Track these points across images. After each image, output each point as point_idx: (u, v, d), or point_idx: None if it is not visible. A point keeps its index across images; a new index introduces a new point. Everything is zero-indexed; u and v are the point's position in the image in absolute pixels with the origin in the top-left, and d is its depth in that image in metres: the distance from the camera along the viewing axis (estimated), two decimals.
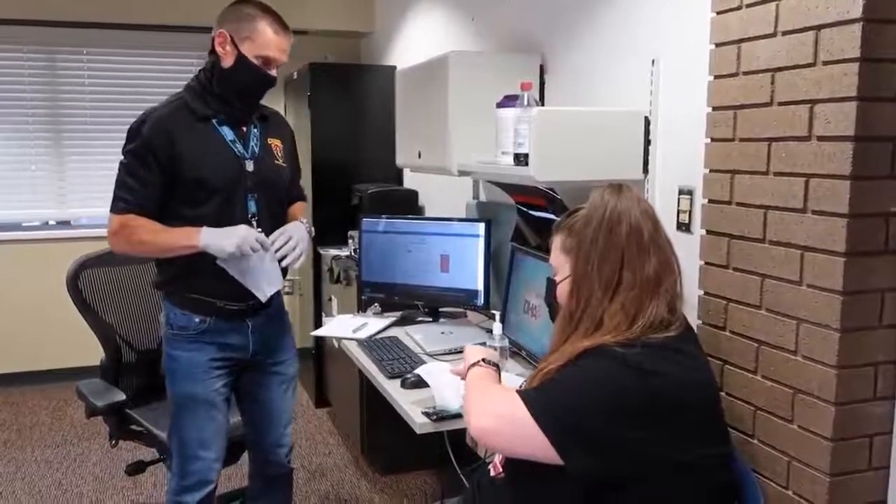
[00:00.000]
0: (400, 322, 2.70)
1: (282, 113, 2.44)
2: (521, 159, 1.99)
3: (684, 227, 1.88)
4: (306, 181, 4.05)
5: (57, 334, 4.34)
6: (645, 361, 1.30)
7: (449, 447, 2.49)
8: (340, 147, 4.03)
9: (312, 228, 2.23)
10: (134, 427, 2.51)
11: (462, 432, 3.13)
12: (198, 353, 2.08)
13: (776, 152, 1.51)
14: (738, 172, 1.61)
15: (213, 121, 2.04)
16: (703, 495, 1.34)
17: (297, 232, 2.10)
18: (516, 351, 2.29)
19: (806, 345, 1.45)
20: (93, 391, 2.47)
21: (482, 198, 3.08)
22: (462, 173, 2.45)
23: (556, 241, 1.54)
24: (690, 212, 1.86)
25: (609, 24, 2.21)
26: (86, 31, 4.44)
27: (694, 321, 1.66)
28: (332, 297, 3.76)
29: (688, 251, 1.72)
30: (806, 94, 1.43)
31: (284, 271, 2.13)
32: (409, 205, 3.71)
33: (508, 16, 2.83)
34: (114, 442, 2.53)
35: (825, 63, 1.39)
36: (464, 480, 2.50)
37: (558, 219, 1.58)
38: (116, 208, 1.99)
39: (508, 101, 2.11)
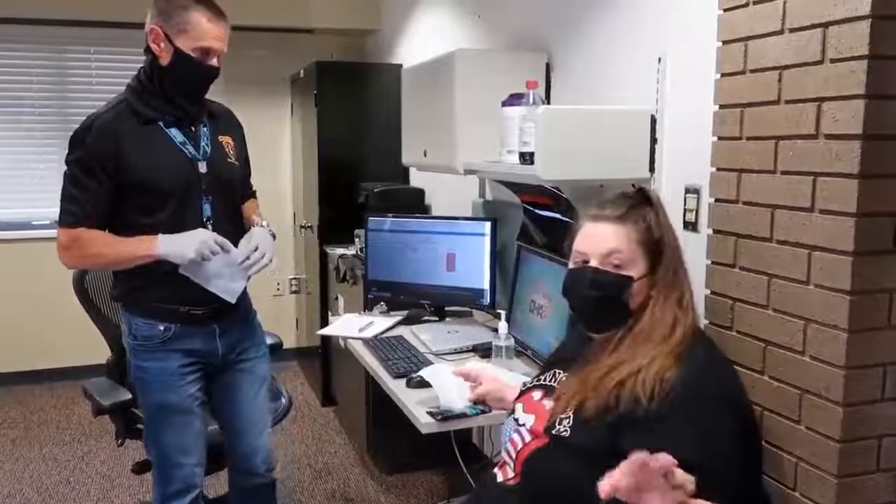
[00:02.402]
0: (406, 321, 2.69)
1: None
2: (526, 158, 1.98)
3: (691, 226, 1.87)
4: (313, 179, 4.07)
5: (64, 333, 4.36)
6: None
7: (455, 447, 2.49)
8: (347, 145, 4.03)
9: (274, 228, 2.15)
10: (140, 426, 2.51)
11: (468, 432, 3.14)
12: (165, 362, 2.01)
13: (783, 151, 1.49)
14: (746, 171, 1.59)
15: (160, 122, 1.96)
16: None
17: (261, 239, 2.03)
18: (522, 350, 2.28)
19: (813, 345, 1.44)
20: (99, 390, 2.47)
21: (488, 197, 3.08)
22: (468, 172, 2.44)
23: (629, 233, 1.46)
24: (697, 211, 1.85)
25: (615, 22, 2.20)
26: (93, 29, 4.46)
27: (700, 321, 1.64)
28: (339, 295, 3.76)
29: (694, 250, 1.70)
30: (814, 91, 1.41)
31: None
32: (415, 203, 3.71)
33: (514, 14, 2.82)
34: (120, 441, 2.53)
35: (833, 61, 1.37)
36: (470, 480, 2.50)
37: (602, 205, 1.52)
38: (65, 221, 1.92)
39: (514, 99, 2.10)
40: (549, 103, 2.45)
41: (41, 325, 4.53)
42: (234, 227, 2.06)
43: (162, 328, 2.00)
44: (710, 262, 1.71)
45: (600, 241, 1.48)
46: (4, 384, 4.47)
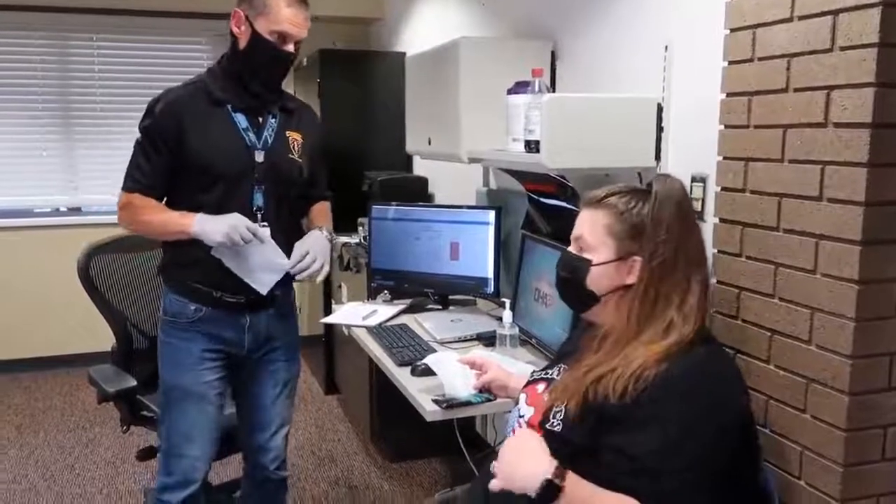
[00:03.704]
0: (409, 310, 2.69)
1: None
2: (532, 146, 1.97)
3: (697, 214, 1.86)
4: None
5: (69, 320, 4.37)
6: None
7: (459, 435, 2.49)
8: (350, 134, 4.01)
9: (334, 235, 2.16)
10: (145, 413, 2.52)
11: (471, 420, 3.14)
12: (190, 343, 2.02)
13: (791, 139, 1.49)
14: (753, 160, 1.59)
15: (228, 106, 1.99)
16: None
17: (316, 245, 2.04)
18: (526, 339, 2.28)
19: (820, 334, 1.44)
20: (104, 377, 2.47)
21: (492, 185, 3.07)
22: (472, 160, 2.43)
23: (598, 218, 1.42)
24: (703, 199, 1.85)
25: (621, 10, 2.19)
26: (96, 16, 4.44)
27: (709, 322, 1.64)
28: (342, 284, 3.76)
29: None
30: (823, 80, 1.41)
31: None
32: (418, 192, 3.70)
33: (519, 1, 2.80)
34: (125, 427, 2.54)
35: (842, 48, 1.36)
36: (473, 468, 2.51)
37: (590, 193, 1.48)
38: (126, 186, 1.98)
39: (519, 87, 2.10)
40: (554, 92, 2.44)
41: (45, 313, 4.54)
42: (286, 222, 2.06)
43: (193, 308, 2.01)
44: (716, 251, 1.71)
45: (577, 225, 1.48)
46: (9, 371, 4.48)
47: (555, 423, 1.36)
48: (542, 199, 2.49)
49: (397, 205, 2.87)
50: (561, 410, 1.37)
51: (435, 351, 2.16)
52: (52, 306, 4.48)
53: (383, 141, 3.95)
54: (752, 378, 1.61)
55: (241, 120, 1.99)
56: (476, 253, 2.65)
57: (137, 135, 1.99)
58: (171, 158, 1.95)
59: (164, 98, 1.96)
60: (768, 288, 1.56)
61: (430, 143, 2.70)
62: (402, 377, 2.03)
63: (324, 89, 3.95)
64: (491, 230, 2.62)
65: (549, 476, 1.22)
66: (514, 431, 1.50)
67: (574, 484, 1.24)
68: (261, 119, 2.03)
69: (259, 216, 1.99)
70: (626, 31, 2.17)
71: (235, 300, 2.03)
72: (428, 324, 2.50)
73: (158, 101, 1.96)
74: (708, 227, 1.76)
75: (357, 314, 2.61)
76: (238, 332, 2.06)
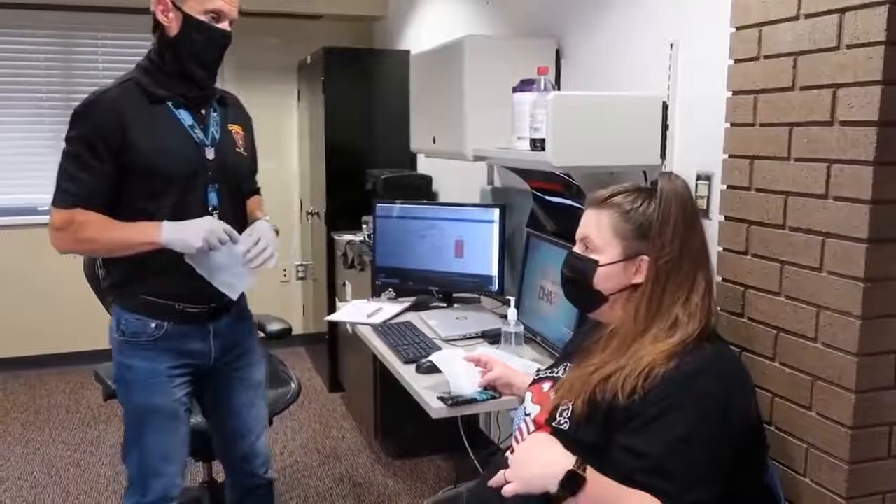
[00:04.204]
0: (414, 307, 2.70)
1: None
2: (537, 144, 1.98)
3: (702, 212, 1.86)
4: (321, 166, 4.07)
5: (74, 318, 4.38)
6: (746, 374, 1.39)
7: (463, 432, 2.49)
8: (354, 132, 4.02)
9: (276, 226, 2.03)
10: None
11: (476, 418, 3.15)
12: (154, 363, 1.89)
13: (798, 137, 1.49)
14: (759, 158, 1.59)
15: (169, 103, 1.86)
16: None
17: (265, 233, 1.93)
18: (531, 337, 2.28)
19: (826, 332, 1.44)
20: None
21: (497, 183, 3.07)
22: (477, 158, 2.44)
23: (604, 218, 1.43)
24: (709, 197, 1.85)
25: (627, 8, 2.19)
26: (100, 15, 4.45)
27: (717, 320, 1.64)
28: (346, 282, 3.76)
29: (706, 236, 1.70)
30: (829, 78, 1.41)
31: None
32: (422, 190, 3.71)
33: (524, 0, 2.80)
34: None
35: (849, 47, 1.36)
36: (477, 466, 2.51)
37: (595, 193, 1.48)
38: (60, 202, 1.79)
39: (525, 85, 2.10)
40: (559, 90, 2.44)
41: (51, 310, 4.55)
42: (239, 220, 1.97)
43: (153, 325, 1.88)
44: (721, 249, 1.71)
45: (581, 225, 1.48)
46: (14, 369, 4.50)
47: (562, 422, 1.37)
48: (546, 197, 2.49)
49: (402, 203, 2.87)
50: (567, 409, 1.37)
51: (440, 349, 2.16)
52: (58, 304, 4.49)
53: (387, 139, 3.96)
54: (758, 376, 1.61)
55: (185, 117, 1.88)
56: (481, 251, 2.66)
57: (64, 146, 1.82)
58: (114, 165, 1.79)
59: (97, 101, 1.81)
60: (774, 286, 1.56)
61: (434, 142, 2.70)
62: (407, 375, 2.04)
63: (328, 87, 3.96)
64: (496, 228, 2.62)
65: (572, 467, 1.23)
66: (520, 430, 1.51)
67: (594, 477, 1.24)
68: (203, 113, 1.92)
69: (216, 216, 1.89)
70: (631, 30, 2.17)
71: (199, 310, 1.92)
72: (433, 321, 2.50)
73: (90, 105, 1.80)
74: (714, 225, 1.77)
75: (362, 312, 2.62)
76: (204, 343, 1.96)
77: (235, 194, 1.99)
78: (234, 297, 1.94)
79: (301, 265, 4.96)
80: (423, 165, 3.97)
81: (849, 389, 1.40)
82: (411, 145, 2.99)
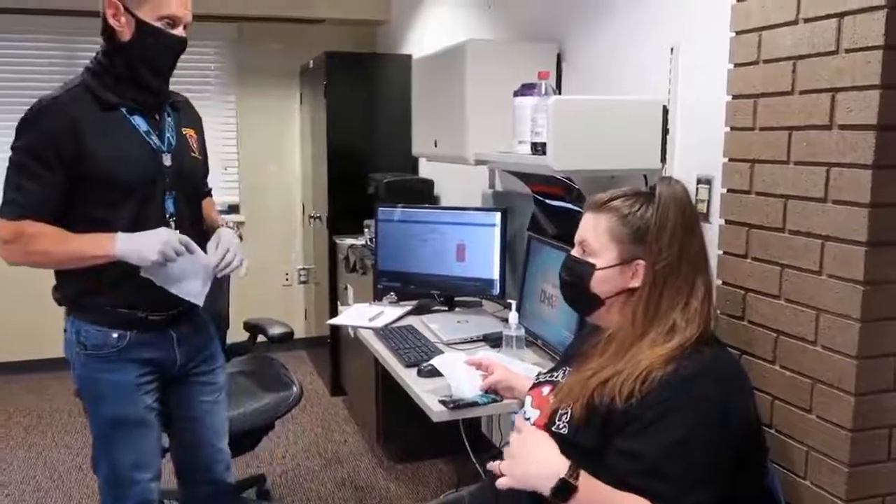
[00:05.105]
0: (416, 311, 2.70)
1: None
2: (538, 148, 1.98)
3: (702, 216, 1.87)
4: (322, 170, 4.08)
5: None
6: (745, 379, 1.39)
7: (464, 435, 2.50)
8: (356, 136, 4.03)
9: (239, 230, 2.00)
10: None
11: (477, 421, 3.15)
12: (120, 374, 1.85)
13: (797, 141, 1.49)
14: (758, 162, 1.60)
15: (123, 109, 1.80)
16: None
17: (230, 241, 1.89)
18: (532, 340, 2.29)
19: (826, 335, 1.45)
20: None
21: (498, 187, 3.08)
22: (479, 162, 2.45)
23: (602, 222, 1.43)
24: (709, 201, 1.85)
25: (627, 13, 2.20)
26: None
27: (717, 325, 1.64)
28: (348, 286, 3.77)
29: (706, 241, 1.70)
30: (828, 82, 1.41)
31: None
32: (424, 194, 3.71)
33: (525, 4, 2.81)
34: None
35: (848, 51, 1.37)
36: (479, 469, 2.52)
37: (594, 196, 1.49)
38: (7, 213, 1.74)
39: (526, 89, 2.11)
40: (560, 94, 2.45)
41: (54, 314, 4.53)
42: (195, 226, 1.94)
43: (116, 336, 1.83)
44: (721, 252, 1.72)
45: (579, 229, 1.49)
46: (17, 372, 4.50)
47: (560, 426, 1.37)
48: (547, 201, 2.50)
49: (404, 206, 2.88)
50: (566, 413, 1.37)
51: (441, 352, 2.17)
52: (60, 308, 4.48)
53: (389, 143, 3.97)
54: (759, 379, 1.61)
55: (140, 123, 1.82)
56: (482, 254, 2.66)
57: (10, 155, 1.76)
58: (65, 174, 1.73)
59: (47, 108, 1.74)
60: (774, 289, 1.56)
61: (436, 146, 2.71)
62: (408, 378, 2.04)
63: (330, 92, 3.97)
64: (497, 232, 2.63)
65: (564, 475, 1.23)
66: (519, 430, 1.51)
67: (587, 483, 1.24)
68: (158, 118, 1.87)
69: (173, 224, 1.85)
70: (631, 34, 2.18)
71: (161, 317, 1.88)
72: (434, 325, 2.51)
73: (39, 112, 1.74)
74: (714, 229, 1.77)
75: (363, 316, 2.63)
76: (168, 350, 1.92)
77: (192, 199, 1.95)
78: (199, 303, 1.89)
79: (303, 269, 4.97)
80: (425, 169, 3.98)
81: (848, 392, 1.40)
82: (413, 149, 3.00)
